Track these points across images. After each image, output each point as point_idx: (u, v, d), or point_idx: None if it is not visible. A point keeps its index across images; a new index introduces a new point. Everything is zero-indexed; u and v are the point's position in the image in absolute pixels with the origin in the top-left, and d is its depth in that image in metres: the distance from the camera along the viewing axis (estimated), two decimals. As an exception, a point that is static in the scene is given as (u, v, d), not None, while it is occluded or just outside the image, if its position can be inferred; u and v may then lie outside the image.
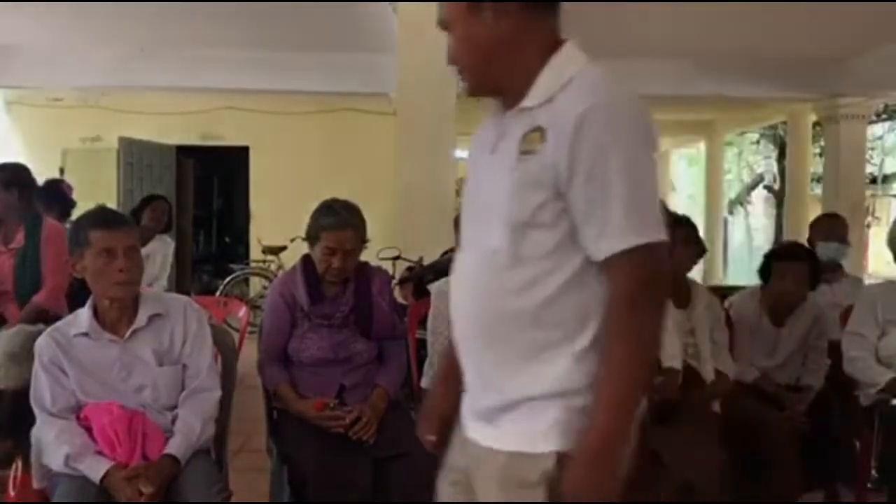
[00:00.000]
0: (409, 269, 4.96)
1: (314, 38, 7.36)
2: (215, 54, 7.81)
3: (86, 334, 2.37)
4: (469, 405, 1.58)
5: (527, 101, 1.45)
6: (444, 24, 1.53)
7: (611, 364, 1.39)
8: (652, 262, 1.38)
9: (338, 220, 2.74)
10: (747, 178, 19.73)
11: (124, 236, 2.37)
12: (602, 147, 1.35)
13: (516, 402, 1.45)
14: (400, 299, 4.44)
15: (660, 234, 1.39)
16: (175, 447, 2.31)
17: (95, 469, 2.22)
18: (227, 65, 7.87)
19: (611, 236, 1.36)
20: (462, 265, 1.57)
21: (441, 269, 4.23)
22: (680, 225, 3.23)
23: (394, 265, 5.20)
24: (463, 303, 1.55)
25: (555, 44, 1.48)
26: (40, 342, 2.39)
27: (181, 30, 7.04)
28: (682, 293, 3.19)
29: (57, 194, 4.90)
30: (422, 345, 3.28)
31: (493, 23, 1.46)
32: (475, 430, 1.55)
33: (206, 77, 7.97)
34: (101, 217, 2.43)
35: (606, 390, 1.38)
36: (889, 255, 3.33)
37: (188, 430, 2.35)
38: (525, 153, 1.42)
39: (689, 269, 3.25)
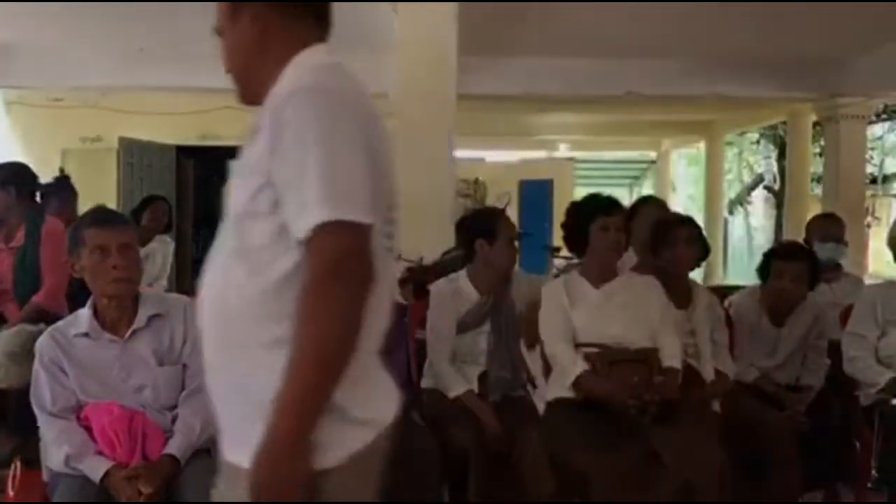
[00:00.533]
0: (409, 269, 4.96)
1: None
2: (215, 53, 7.80)
3: (86, 334, 2.37)
4: (220, 424, 1.49)
5: (267, 99, 1.46)
6: (219, 32, 1.56)
7: (293, 354, 1.29)
8: (347, 241, 1.30)
9: None
10: (747, 178, 19.71)
11: (118, 233, 2.38)
12: (299, 128, 1.33)
13: (261, 410, 1.31)
14: (400, 299, 4.44)
15: (360, 215, 1.31)
16: (175, 447, 2.31)
17: (95, 469, 2.22)
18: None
19: (306, 214, 1.30)
20: (207, 266, 1.53)
21: (441, 268, 4.23)
22: (682, 224, 3.24)
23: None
24: (203, 305, 1.49)
25: (305, 45, 1.49)
26: (41, 342, 2.39)
27: (181, 29, 7.03)
28: (683, 293, 3.19)
29: (66, 191, 4.92)
30: (422, 345, 3.28)
31: (249, 28, 1.49)
32: (231, 451, 1.45)
33: (206, 77, 7.87)
34: (95, 216, 2.46)
35: (286, 383, 1.28)
36: (889, 254, 3.34)
37: (188, 430, 2.35)
38: (248, 145, 1.44)
39: (691, 268, 3.25)
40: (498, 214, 3.15)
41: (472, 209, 3.67)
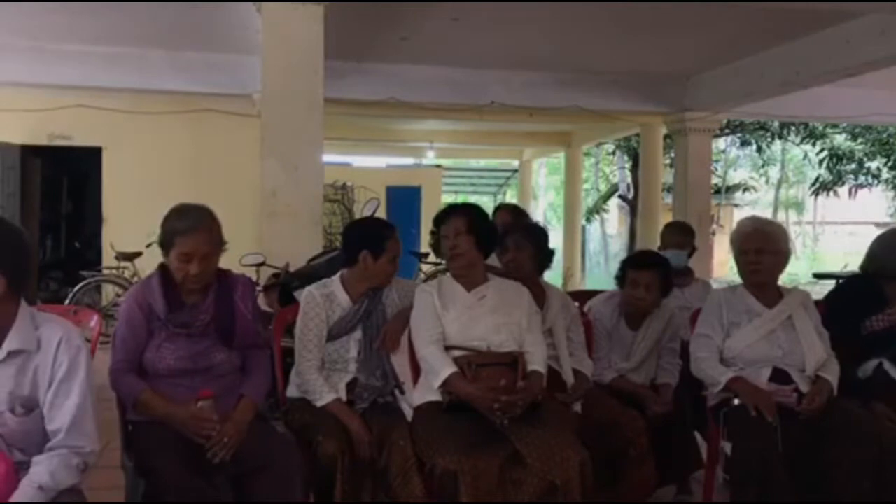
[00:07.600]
0: (275, 275, 4.86)
1: (174, 36, 7.09)
2: (67, 49, 7.39)
3: None
4: None
5: None
6: None
7: None
8: None
9: (190, 224, 2.64)
10: (604, 188, 20.52)
11: None
12: None
13: None
14: (264, 306, 4.34)
15: None
16: None
17: None
18: (80, 60, 7.45)
19: None
20: None
21: (308, 275, 4.16)
22: (515, 231, 3.35)
23: (258, 272, 5.07)
24: None
25: None
26: None
27: (30, 22, 6.61)
28: (536, 295, 3.27)
29: None
30: (287, 353, 3.21)
31: None
32: None
33: (57, 72, 7.52)
34: None
35: None
36: (731, 261, 3.53)
37: (50, 487, 2.03)
38: None
39: (524, 273, 3.29)
40: (389, 232, 3.10)
41: (363, 216, 3.59)
